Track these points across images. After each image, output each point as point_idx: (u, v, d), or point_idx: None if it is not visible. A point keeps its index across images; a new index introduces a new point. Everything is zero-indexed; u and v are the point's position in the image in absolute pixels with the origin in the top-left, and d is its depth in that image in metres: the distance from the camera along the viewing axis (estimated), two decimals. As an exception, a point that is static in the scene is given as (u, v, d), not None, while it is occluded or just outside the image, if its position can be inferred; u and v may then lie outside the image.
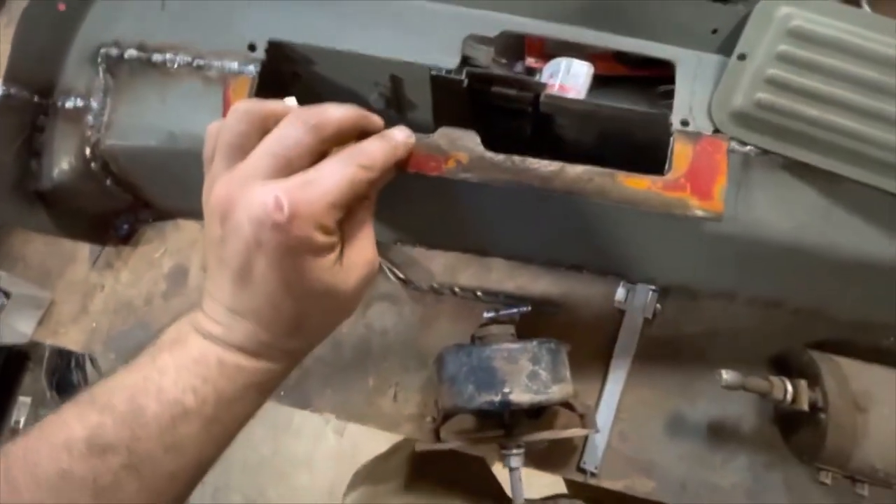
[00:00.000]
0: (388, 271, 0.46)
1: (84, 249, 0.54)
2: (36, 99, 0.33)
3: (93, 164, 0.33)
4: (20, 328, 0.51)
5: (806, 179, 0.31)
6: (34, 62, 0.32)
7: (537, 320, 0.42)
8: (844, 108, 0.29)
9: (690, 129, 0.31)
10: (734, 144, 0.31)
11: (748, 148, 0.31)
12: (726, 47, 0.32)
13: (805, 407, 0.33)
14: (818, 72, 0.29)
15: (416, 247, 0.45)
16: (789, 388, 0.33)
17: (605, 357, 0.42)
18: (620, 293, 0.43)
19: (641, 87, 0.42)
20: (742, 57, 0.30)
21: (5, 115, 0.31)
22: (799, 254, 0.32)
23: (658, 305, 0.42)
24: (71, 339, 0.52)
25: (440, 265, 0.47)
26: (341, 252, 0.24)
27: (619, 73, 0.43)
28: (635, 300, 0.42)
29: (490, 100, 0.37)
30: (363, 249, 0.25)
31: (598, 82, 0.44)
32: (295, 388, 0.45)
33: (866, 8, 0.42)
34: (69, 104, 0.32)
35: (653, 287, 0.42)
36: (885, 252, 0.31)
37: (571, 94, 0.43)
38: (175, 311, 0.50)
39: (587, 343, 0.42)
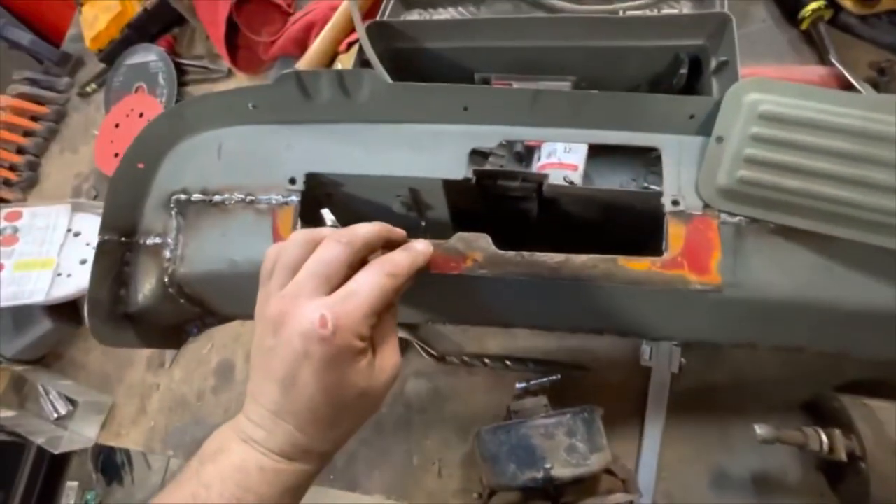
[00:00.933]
0: (420, 349, 0.49)
1: (140, 353, 0.60)
2: (123, 240, 0.39)
3: (170, 289, 0.38)
4: (86, 433, 0.56)
5: (799, 241, 0.33)
6: (122, 212, 0.38)
7: (567, 383, 0.44)
8: (820, 177, 0.32)
9: (681, 207, 0.34)
10: (725, 216, 0.34)
11: (738, 218, 0.34)
12: (705, 129, 0.35)
13: (843, 457, 0.33)
14: (792, 147, 0.32)
15: (445, 324, 0.48)
16: (824, 438, 0.34)
17: (638, 415, 0.43)
18: (645, 350, 0.44)
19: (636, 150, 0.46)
20: (720, 139, 0.34)
21: (102, 258, 0.38)
22: (806, 309, 0.34)
23: (683, 359, 0.43)
24: (132, 439, 0.56)
25: (469, 337, 0.50)
26: (373, 355, 0.27)
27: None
28: (660, 356, 0.44)
29: (498, 191, 0.41)
30: (391, 352, 0.28)
31: (594, 149, 0.48)
32: (344, 471, 0.48)
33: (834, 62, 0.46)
34: (150, 242, 0.39)
35: (675, 342, 0.43)
36: (890, 301, 0.33)
37: (570, 171, 0.48)
38: (225, 405, 0.54)
39: (619, 403, 0.43)
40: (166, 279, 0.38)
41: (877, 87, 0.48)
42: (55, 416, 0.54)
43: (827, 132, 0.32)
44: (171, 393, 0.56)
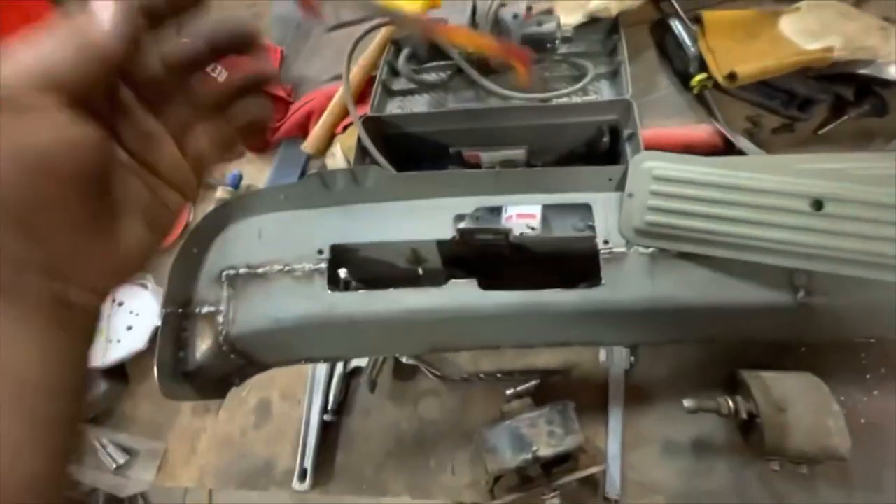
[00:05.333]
0: (427, 372, 0.59)
1: (185, 403, 0.67)
2: (181, 311, 0.47)
3: (223, 347, 0.47)
4: (144, 477, 0.63)
5: (696, 262, 0.45)
6: (179, 288, 0.47)
7: (547, 386, 0.54)
8: (699, 217, 0.44)
9: (610, 245, 0.45)
10: (641, 249, 0.45)
11: (651, 250, 0.45)
12: (621, 187, 0.47)
13: (745, 416, 0.44)
14: (678, 198, 0.44)
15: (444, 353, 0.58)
16: (731, 404, 0.45)
17: (603, 405, 0.53)
18: (602, 355, 0.55)
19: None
20: (630, 195, 0.46)
21: (166, 327, 0.46)
22: (706, 309, 0.45)
23: (632, 358, 0.54)
24: (187, 477, 0.63)
25: (465, 358, 0.59)
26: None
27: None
28: (614, 358, 0.55)
29: (477, 242, 0.52)
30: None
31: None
32: (374, 480, 0.56)
33: (713, 122, 0.59)
34: (205, 311, 0.47)
35: (623, 345, 0.54)
36: (764, 297, 0.44)
37: (530, 219, 0.59)
38: (265, 437, 0.61)
39: (587, 397, 0.54)
40: (221, 339, 0.47)
41: (752, 134, 0.62)
42: (114, 465, 0.60)
43: (699, 186, 0.44)
44: (217, 434, 0.63)
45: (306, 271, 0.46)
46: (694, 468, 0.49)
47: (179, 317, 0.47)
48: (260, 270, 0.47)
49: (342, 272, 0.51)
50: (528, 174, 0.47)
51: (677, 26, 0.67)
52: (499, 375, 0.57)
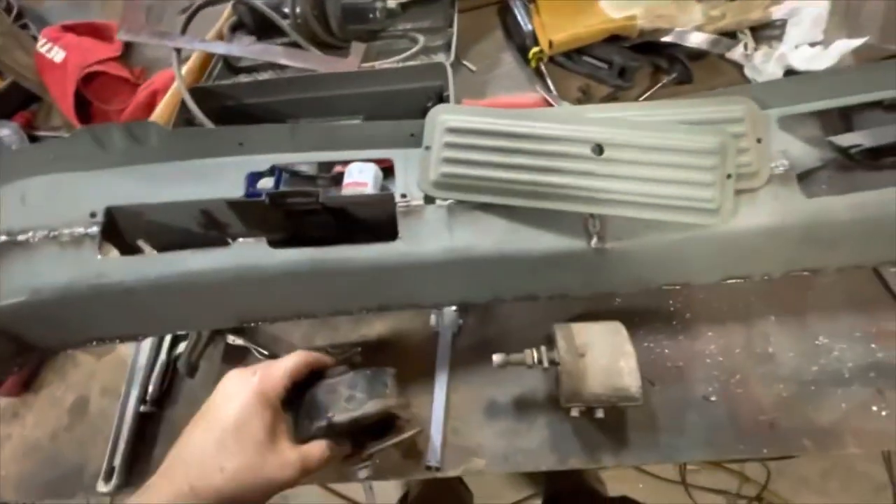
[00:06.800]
0: (256, 353, 0.55)
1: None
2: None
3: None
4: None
5: (492, 212, 0.44)
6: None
7: (377, 356, 0.51)
8: (490, 166, 0.43)
9: (408, 199, 0.44)
10: (439, 201, 0.44)
11: (448, 201, 0.44)
12: (420, 142, 0.46)
13: (546, 364, 0.43)
14: (468, 148, 0.43)
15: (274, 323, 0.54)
16: (535, 354, 0.44)
17: (431, 372, 0.51)
18: (432, 319, 0.53)
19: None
20: (427, 148, 0.45)
21: None
22: (508, 260, 0.44)
23: (461, 321, 0.53)
24: (-16, 493, 0.54)
25: (298, 336, 0.56)
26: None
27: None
28: (444, 321, 0.53)
29: (296, 208, 0.49)
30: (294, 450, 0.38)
31: (387, 170, 0.58)
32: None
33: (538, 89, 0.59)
34: (-45, 286, 0.41)
35: (455, 308, 0.53)
36: (561, 245, 0.44)
37: (362, 188, 0.57)
38: (79, 439, 0.54)
39: (416, 364, 0.51)
40: (-25, 316, 0.41)
41: (581, 102, 0.64)
42: None
43: (489, 136, 0.43)
44: (24, 440, 0.55)
45: (75, 236, 0.42)
46: (514, 428, 0.47)
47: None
48: (20, 237, 0.42)
49: (142, 243, 0.47)
50: (327, 129, 0.45)
51: (517, 6, 0.68)
52: (329, 350, 0.53)
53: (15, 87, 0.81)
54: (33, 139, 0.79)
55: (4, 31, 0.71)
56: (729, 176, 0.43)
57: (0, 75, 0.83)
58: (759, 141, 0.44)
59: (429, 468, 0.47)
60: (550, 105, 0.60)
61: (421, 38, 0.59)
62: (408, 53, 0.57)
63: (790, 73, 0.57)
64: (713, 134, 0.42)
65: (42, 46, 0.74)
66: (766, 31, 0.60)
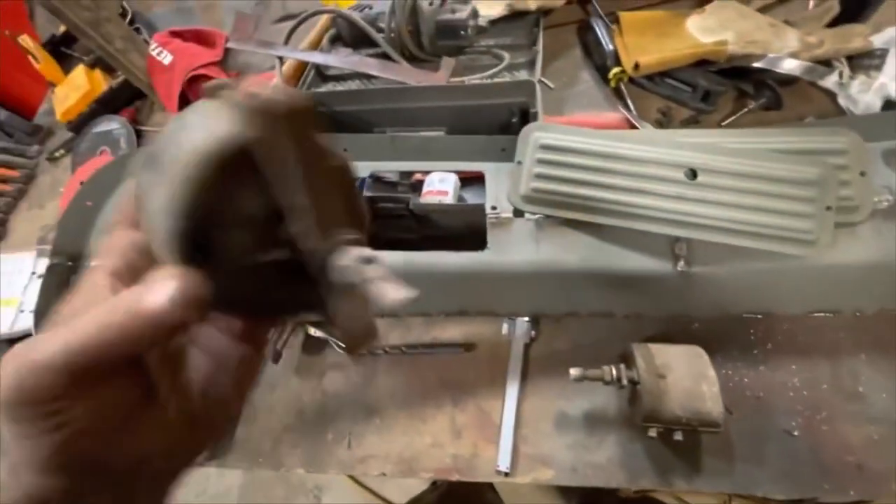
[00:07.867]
0: (335, 346, 0.58)
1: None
2: (70, 264, 0.46)
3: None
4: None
5: (581, 229, 0.45)
6: (69, 241, 0.46)
7: (452, 361, 0.53)
8: (582, 184, 0.44)
9: (498, 211, 0.45)
10: (528, 215, 0.45)
11: (537, 216, 0.45)
12: (512, 157, 0.48)
13: (625, 382, 0.43)
14: (561, 165, 0.45)
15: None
16: (614, 371, 0.44)
17: (502, 379, 0.52)
18: (504, 327, 0.54)
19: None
20: (519, 163, 0.46)
21: (50, 278, 0.45)
22: (591, 276, 0.45)
23: (533, 332, 0.54)
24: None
25: (374, 332, 0.58)
26: None
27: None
28: (517, 331, 0.54)
29: (384, 212, 0.52)
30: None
31: (465, 180, 0.60)
32: (270, 454, 0.54)
33: (621, 109, 0.60)
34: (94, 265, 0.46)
35: (527, 318, 0.54)
36: (646, 265, 0.45)
37: (442, 196, 0.60)
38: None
39: (487, 370, 0.53)
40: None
41: (662, 125, 0.64)
42: None
43: (581, 154, 0.45)
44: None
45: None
46: (584, 442, 0.48)
47: (68, 270, 0.46)
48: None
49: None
50: (424, 141, 0.48)
51: (598, 25, 0.69)
52: (403, 349, 0.56)
53: (125, 85, 0.89)
54: (138, 133, 0.86)
55: (124, 35, 0.79)
56: (829, 208, 0.42)
57: (113, 73, 0.92)
58: (862, 174, 0.43)
59: (498, 472, 0.48)
60: (633, 125, 0.60)
61: (506, 56, 0.61)
62: (494, 70, 0.59)
63: (889, 104, 0.55)
64: (814, 164, 0.42)
65: (153, 50, 0.82)
66: (865, 60, 0.58)
